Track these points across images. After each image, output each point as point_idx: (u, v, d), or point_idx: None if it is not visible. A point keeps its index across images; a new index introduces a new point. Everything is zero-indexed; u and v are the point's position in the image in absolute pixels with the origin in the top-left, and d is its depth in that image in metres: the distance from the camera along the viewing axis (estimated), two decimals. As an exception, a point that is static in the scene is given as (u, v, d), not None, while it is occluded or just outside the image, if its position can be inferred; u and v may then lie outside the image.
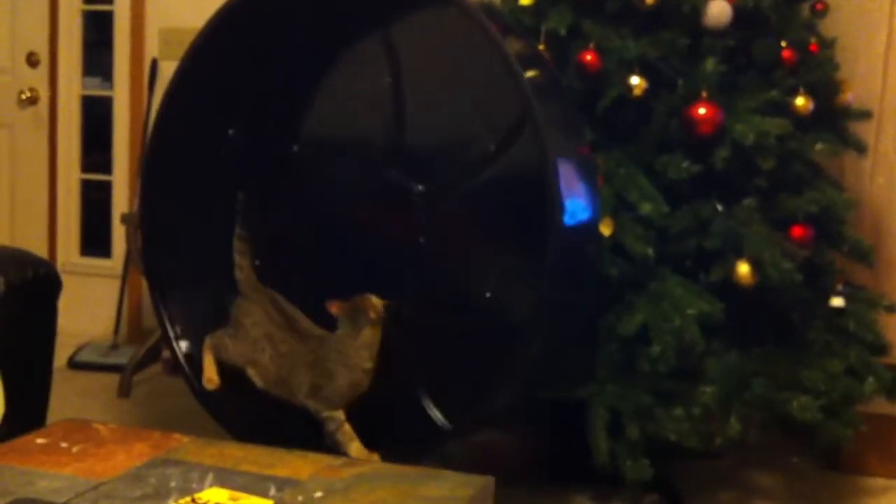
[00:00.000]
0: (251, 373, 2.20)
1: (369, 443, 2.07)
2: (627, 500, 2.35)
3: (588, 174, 2.14)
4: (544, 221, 1.93)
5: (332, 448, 2.03)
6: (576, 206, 2.04)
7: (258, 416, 2.24)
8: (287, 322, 2.18)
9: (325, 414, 2.06)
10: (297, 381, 2.11)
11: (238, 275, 2.28)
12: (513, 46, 2.04)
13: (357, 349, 2.01)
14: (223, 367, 2.24)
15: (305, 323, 2.17)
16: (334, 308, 2.02)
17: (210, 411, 2.23)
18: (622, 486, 2.24)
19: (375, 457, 2.02)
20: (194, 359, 2.28)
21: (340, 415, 2.06)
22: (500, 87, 2.09)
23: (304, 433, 2.15)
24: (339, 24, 2.30)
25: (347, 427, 2.05)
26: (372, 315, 1.99)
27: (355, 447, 2.04)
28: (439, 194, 2.25)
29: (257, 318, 2.20)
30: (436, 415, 2.16)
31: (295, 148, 2.41)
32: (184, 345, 2.29)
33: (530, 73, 2.00)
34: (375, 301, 2.00)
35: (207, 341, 2.26)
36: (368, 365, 2.02)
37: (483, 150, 2.21)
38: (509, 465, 2.46)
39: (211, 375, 2.23)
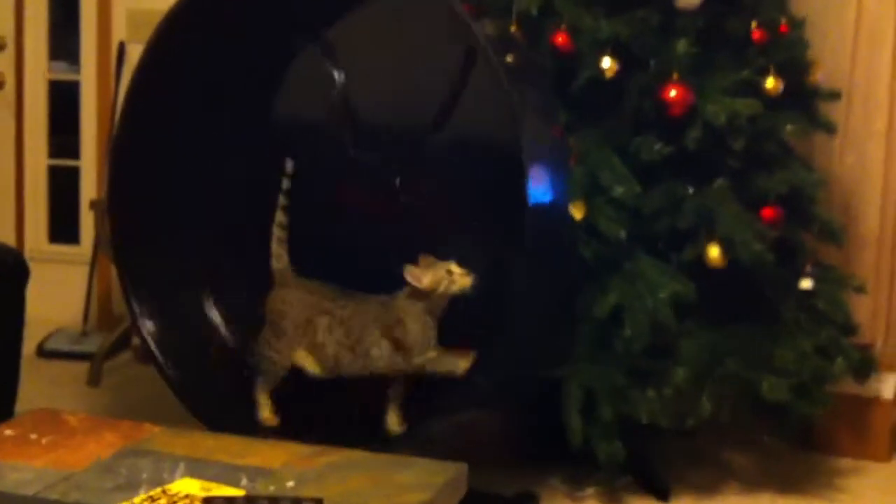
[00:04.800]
0: (302, 359, 2.13)
1: (351, 428, 2.07)
2: (601, 481, 2.36)
3: (560, 156, 2.14)
4: (518, 200, 1.93)
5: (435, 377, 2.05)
6: (548, 188, 2.04)
7: (232, 404, 2.23)
8: (336, 292, 2.13)
9: (418, 360, 2.04)
10: (370, 341, 2.06)
11: (275, 265, 2.19)
12: (486, 28, 2.03)
13: (408, 307, 2.02)
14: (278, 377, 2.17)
15: (359, 294, 2.13)
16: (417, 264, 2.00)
17: (183, 400, 2.21)
18: (596, 468, 2.25)
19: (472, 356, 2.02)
20: (165, 344, 2.26)
21: (431, 353, 2.04)
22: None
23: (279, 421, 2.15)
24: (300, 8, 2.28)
25: (437, 352, 2.04)
26: (413, 283, 1.98)
27: (459, 362, 2.02)
28: (406, 165, 2.24)
29: (304, 303, 2.13)
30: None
31: (267, 131, 2.39)
32: (153, 329, 2.26)
33: (506, 57, 2.00)
34: (432, 272, 1.98)
35: (261, 381, 2.16)
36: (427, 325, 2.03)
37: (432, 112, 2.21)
38: (484, 447, 2.47)
39: (267, 415, 2.15)
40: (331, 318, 2.10)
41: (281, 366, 2.14)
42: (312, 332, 2.11)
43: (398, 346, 2.04)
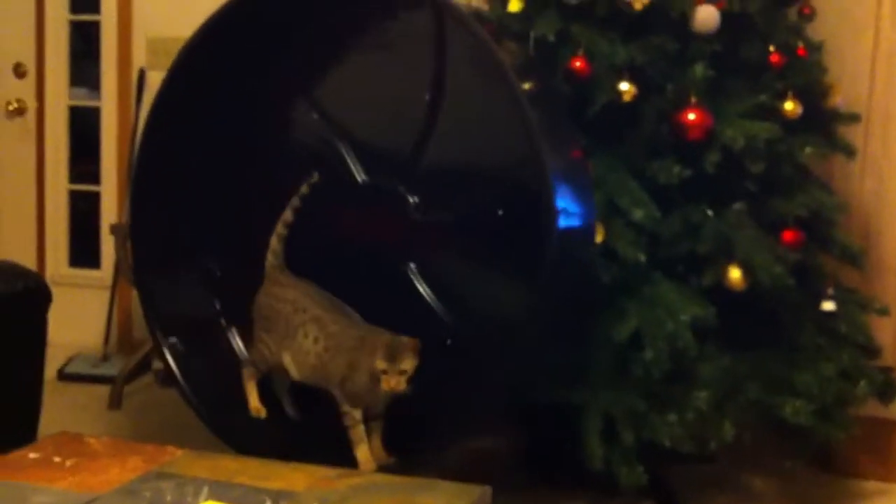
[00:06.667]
0: (287, 361, 2.14)
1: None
2: (623, 504, 2.35)
3: (582, 180, 2.14)
4: (540, 229, 1.93)
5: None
6: (571, 211, 2.04)
7: (255, 426, 2.22)
8: (333, 304, 2.12)
9: (344, 409, 2.04)
10: (333, 366, 2.06)
11: (270, 258, 2.20)
12: (505, 54, 2.04)
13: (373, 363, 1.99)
14: (269, 374, 2.20)
15: (350, 310, 2.12)
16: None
17: (206, 422, 2.21)
18: (617, 491, 2.23)
19: (373, 467, 2.00)
20: (186, 368, 2.27)
21: (357, 414, 2.02)
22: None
23: (303, 443, 2.15)
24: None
25: (361, 429, 2.02)
26: (375, 366, 1.95)
27: (361, 450, 2.01)
28: (435, 211, 2.23)
29: (301, 304, 2.12)
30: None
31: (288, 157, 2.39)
32: (175, 352, 2.27)
33: (524, 83, 2.00)
34: (369, 363, 1.96)
35: (246, 370, 2.20)
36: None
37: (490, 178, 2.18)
38: (505, 471, 2.46)
39: (255, 405, 2.18)
40: (319, 328, 2.09)
41: (269, 363, 2.17)
42: (303, 336, 2.11)
43: (345, 393, 2.04)
